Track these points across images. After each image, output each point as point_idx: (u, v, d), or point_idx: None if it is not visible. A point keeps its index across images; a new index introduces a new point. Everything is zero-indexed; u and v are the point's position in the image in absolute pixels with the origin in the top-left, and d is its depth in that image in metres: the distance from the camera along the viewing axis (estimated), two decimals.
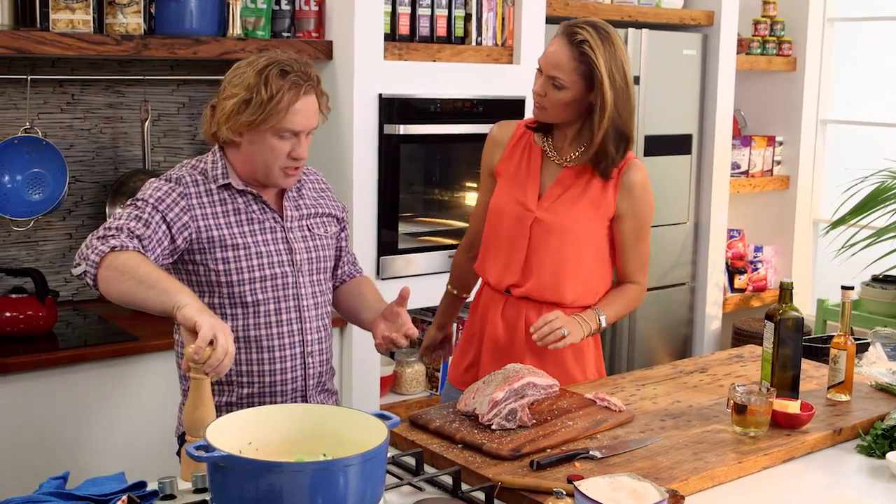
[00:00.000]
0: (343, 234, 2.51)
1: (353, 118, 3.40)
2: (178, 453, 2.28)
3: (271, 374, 2.28)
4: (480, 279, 2.71)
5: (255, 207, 2.28)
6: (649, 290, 4.45)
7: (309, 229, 2.35)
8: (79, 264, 2.10)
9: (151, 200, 2.18)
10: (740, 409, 2.15)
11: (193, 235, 2.21)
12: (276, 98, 2.15)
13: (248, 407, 2.04)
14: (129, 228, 2.11)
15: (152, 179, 2.26)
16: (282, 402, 2.28)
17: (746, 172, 5.02)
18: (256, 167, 2.24)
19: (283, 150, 2.21)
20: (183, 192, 2.21)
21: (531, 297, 2.55)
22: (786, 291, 2.34)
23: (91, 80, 3.44)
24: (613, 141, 2.45)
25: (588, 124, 2.47)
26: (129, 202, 2.22)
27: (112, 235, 2.10)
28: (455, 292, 2.85)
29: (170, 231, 2.17)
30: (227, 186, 2.26)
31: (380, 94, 3.43)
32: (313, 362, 2.34)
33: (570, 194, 2.53)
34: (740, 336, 4.79)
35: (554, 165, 2.56)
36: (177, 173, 2.26)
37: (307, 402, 2.33)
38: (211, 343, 1.86)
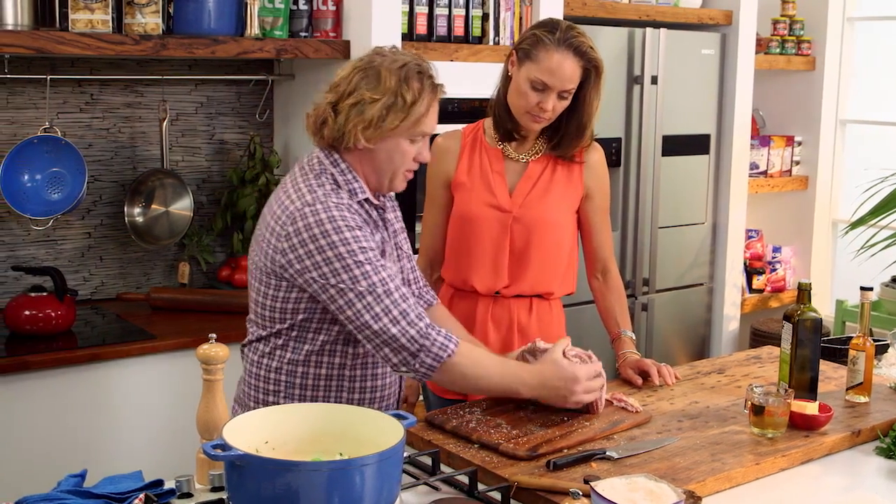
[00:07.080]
0: None
1: None
2: None
3: (382, 378, 2.21)
4: (443, 286, 2.66)
5: (378, 224, 2.18)
6: (667, 290, 4.49)
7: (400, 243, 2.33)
8: (422, 366, 2.03)
9: (374, 261, 2.02)
10: (758, 411, 2.14)
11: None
12: (418, 101, 2.08)
13: None
14: (411, 317, 2.02)
15: (334, 225, 2.01)
16: (385, 408, 2.23)
17: (765, 172, 5.00)
18: (384, 173, 2.13)
19: (411, 153, 2.13)
20: (362, 222, 2.07)
21: (522, 293, 2.57)
22: (804, 292, 2.33)
23: (110, 80, 3.46)
24: (576, 125, 2.52)
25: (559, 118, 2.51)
26: (352, 268, 2.00)
27: (414, 328, 2.01)
28: None
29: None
30: (366, 200, 2.14)
31: None
32: None
33: (540, 186, 2.56)
34: (758, 337, 4.76)
35: (517, 163, 2.58)
36: (337, 207, 2.04)
37: (407, 404, 2.36)
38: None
